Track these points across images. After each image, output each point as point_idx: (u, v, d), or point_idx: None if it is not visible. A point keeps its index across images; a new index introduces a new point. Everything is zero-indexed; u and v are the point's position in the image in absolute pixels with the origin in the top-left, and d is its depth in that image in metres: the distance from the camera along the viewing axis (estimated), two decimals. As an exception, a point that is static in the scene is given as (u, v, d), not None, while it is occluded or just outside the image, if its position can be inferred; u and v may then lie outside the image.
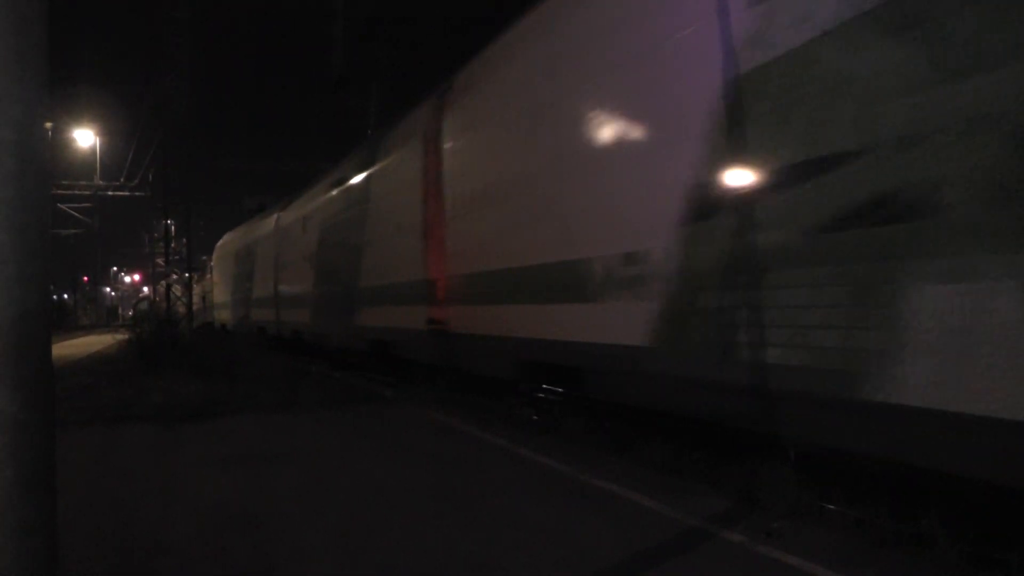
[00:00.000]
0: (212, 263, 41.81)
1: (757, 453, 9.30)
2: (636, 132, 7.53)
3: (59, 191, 35.12)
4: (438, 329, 12.06)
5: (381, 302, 14.66)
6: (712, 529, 5.51)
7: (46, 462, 2.62)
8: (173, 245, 42.98)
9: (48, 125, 2.84)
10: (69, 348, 29.43)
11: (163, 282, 46.72)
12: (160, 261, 44.45)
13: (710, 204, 6.43)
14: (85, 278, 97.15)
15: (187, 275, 38.58)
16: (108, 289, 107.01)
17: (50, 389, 2.63)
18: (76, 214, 33.93)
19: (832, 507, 6.63)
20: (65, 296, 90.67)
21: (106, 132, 28.35)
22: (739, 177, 6.15)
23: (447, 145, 11.89)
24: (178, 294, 39.20)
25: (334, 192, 18.51)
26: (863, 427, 5.14)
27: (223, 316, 35.62)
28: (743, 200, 6.06)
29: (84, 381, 14.92)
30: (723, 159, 6.30)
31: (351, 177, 17.08)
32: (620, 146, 7.76)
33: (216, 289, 39.22)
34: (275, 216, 26.00)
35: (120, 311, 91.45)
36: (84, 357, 23.11)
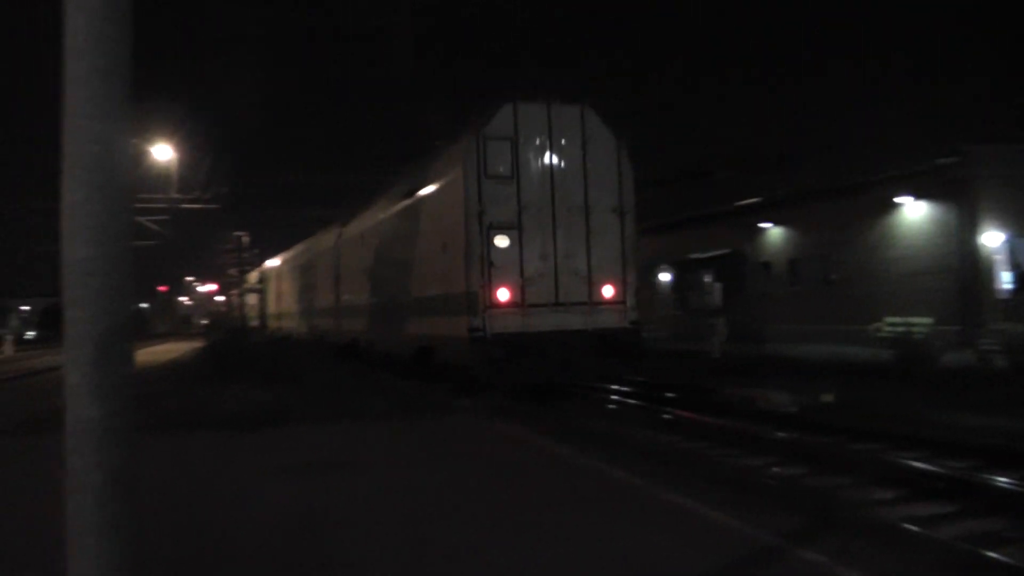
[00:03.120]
0: (272, 275, 43.93)
1: (829, 469, 9.06)
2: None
3: (137, 204, 37.18)
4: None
5: (425, 312, 16.73)
6: (787, 546, 5.37)
7: (129, 466, 2.69)
8: (246, 254, 44.43)
9: (132, 141, 2.93)
10: (146, 356, 30.16)
11: (235, 291, 47.71)
12: (233, 271, 45.94)
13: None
14: (162, 287, 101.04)
15: (259, 284, 40.08)
16: (183, 298, 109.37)
17: (131, 397, 2.70)
18: (153, 226, 34.57)
19: (914, 528, 6.41)
20: (142, 305, 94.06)
21: (182, 147, 29.10)
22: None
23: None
24: (252, 302, 41.07)
25: (388, 213, 20.27)
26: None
27: (287, 324, 37.55)
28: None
29: (160, 388, 15.30)
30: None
31: (402, 201, 18.86)
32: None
33: (280, 299, 41.44)
34: (336, 232, 27.55)
35: (193, 319, 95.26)
36: (160, 365, 23.66)
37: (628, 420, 13.27)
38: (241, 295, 42.12)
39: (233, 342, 19.51)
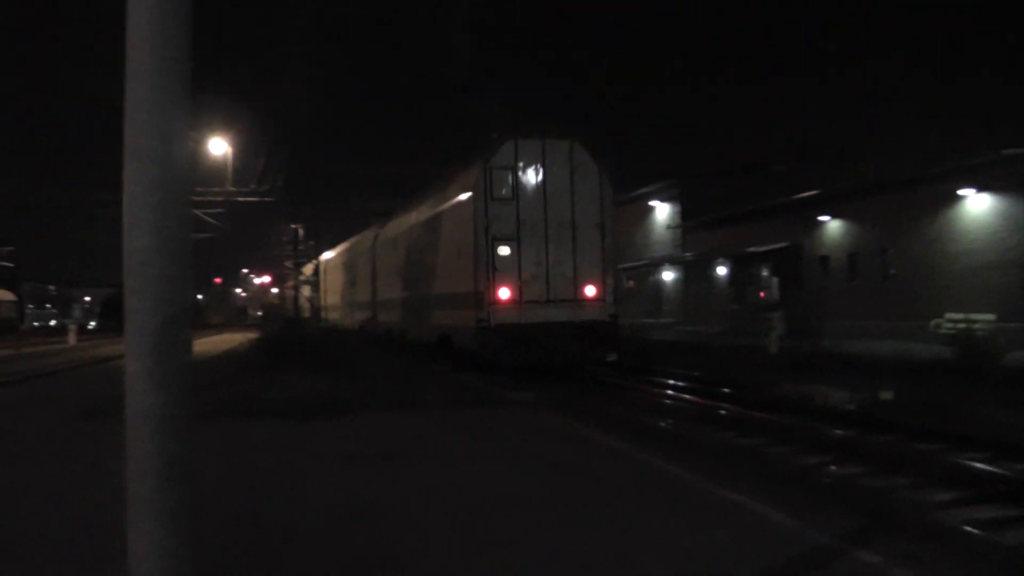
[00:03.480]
0: (325, 268, 47.51)
1: (888, 469, 8.86)
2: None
3: (194, 197, 37.30)
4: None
5: (444, 306, 20.25)
6: (844, 547, 5.26)
7: (187, 453, 2.73)
8: (301, 247, 44.55)
9: (190, 135, 2.97)
10: (202, 345, 30.55)
11: (289, 283, 48.14)
12: (287, 264, 46.00)
13: None
14: (217, 279, 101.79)
15: (315, 276, 40.68)
16: (238, 290, 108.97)
17: (189, 385, 2.74)
18: (209, 219, 34.82)
19: (976, 531, 6.25)
20: (199, 296, 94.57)
21: (237, 140, 29.33)
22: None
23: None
24: (307, 295, 41.62)
25: (416, 222, 24.10)
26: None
27: (333, 316, 42.80)
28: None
29: (218, 376, 15.62)
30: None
31: (427, 213, 22.68)
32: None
33: (330, 292, 45.47)
34: (373, 235, 31.84)
35: (248, 311, 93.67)
36: (217, 355, 24.11)
37: (684, 416, 13.23)
38: (295, 287, 42.83)
39: (287, 333, 19.92)
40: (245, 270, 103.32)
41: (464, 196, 18.81)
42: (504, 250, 17.59)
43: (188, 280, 2.80)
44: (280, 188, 33.37)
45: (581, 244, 17.89)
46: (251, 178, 31.10)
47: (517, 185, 17.86)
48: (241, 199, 31.48)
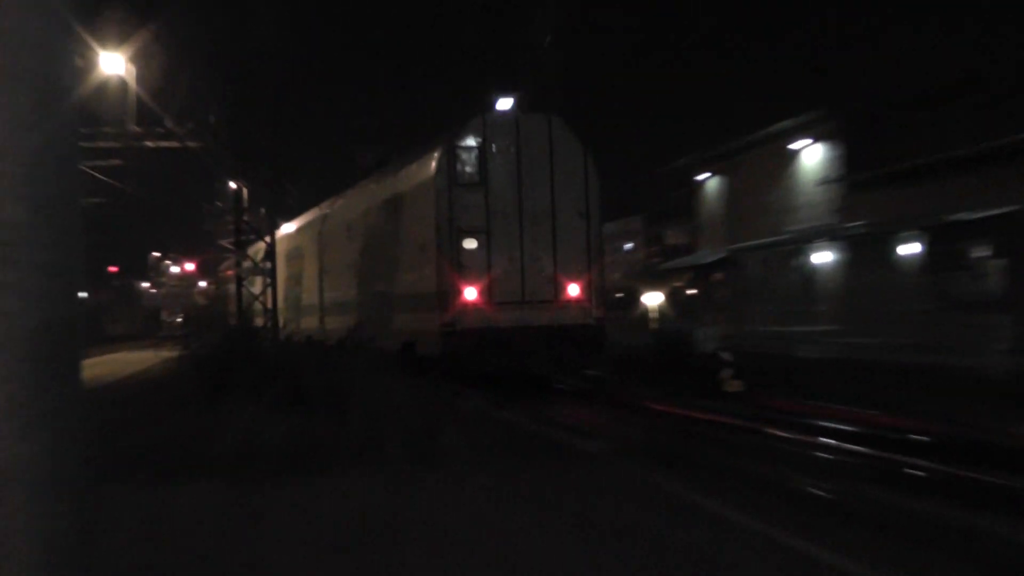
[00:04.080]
0: (280, 252, 28.23)
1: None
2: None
3: (81, 143, 23.16)
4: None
5: (407, 309, 17.50)
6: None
7: (77, 532, 1.84)
8: (246, 218, 24.84)
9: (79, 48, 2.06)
10: (97, 367, 21.65)
11: (228, 271, 33.41)
12: (227, 243, 28.67)
13: None
14: (111, 268, 65.77)
15: (268, 264, 23.65)
16: (146, 284, 72.32)
17: (82, 426, 1.85)
18: (100, 175, 21.65)
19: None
20: (84, 295, 50.42)
21: (147, 55, 18.19)
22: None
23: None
24: (257, 290, 24.40)
25: (372, 205, 20.32)
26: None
27: (306, 323, 29.85)
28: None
29: (124, 414, 10.94)
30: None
31: (384, 195, 19.43)
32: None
33: (295, 286, 31.99)
34: (322, 216, 25.51)
35: (164, 315, 63.80)
36: (121, 380, 17.66)
37: (859, 476, 8.93)
38: (242, 278, 24.71)
39: (231, 347, 13.76)
40: (156, 254, 69.55)
41: (423, 181, 16.54)
42: (471, 244, 15.48)
43: (79, 270, 1.93)
44: (215, 129, 21.50)
45: (562, 236, 15.80)
46: (169, 114, 20.11)
47: (486, 168, 15.70)
48: (150, 144, 21.04)
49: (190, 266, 62.75)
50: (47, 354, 1.82)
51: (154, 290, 71.57)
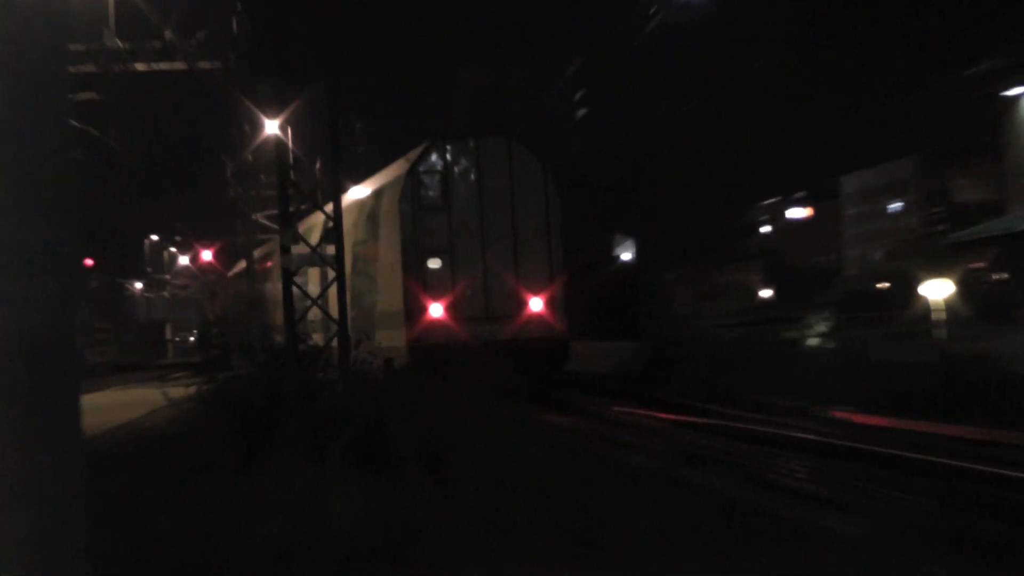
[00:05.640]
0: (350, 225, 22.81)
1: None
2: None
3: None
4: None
5: (383, 326, 18.04)
6: None
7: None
8: (293, 178, 15.18)
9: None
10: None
11: (265, 262, 24.15)
12: (264, 219, 21.90)
13: None
14: (86, 261, 36.94)
15: (331, 247, 13.80)
16: (139, 285, 49.39)
17: (81, 495, 1.28)
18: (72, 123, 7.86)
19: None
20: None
21: None
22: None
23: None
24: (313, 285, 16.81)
25: (357, 217, 19.90)
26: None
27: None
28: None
29: (114, 488, 6.83)
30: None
31: (365, 211, 19.81)
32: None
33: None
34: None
35: (170, 330, 46.32)
36: (110, 433, 11.20)
37: None
38: (290, 272, 13.75)
39: (279, 379, 9.77)
40: (155, 238, 48.94)
41: (389, 205, 17.85)
42: (435, 263, 16.69)
43: (77, 264, 1.37)
44: (238, 40, 14.35)
45: (523, 254, 16.85)
46: (167, 21, 14.34)
47: (449, 191, 16.89)
48: (141, 68, 14.70)
49: (207, 255, 42.10)
50: (32, 381, 1.26)
51: (153, 294, 50.50)
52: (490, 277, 16.59)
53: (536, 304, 16.64)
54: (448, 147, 17.06)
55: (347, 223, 15.25)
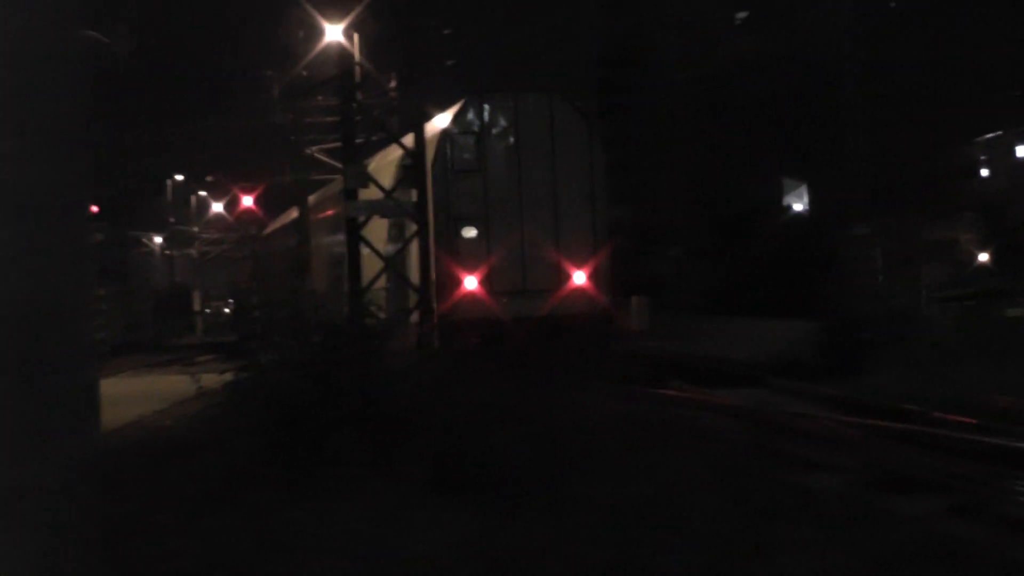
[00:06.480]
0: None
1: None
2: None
3: None
4: None
5: None
6: None
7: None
8: (360, 100, 14.18)
9: None
10: None
11: (323, 212, 20.25)
12: (322, 154, 19.27)
13: None
14: (93, 208, 13.28)
15: (413, 194, 13.53)
16: (158, 239, 38.38)
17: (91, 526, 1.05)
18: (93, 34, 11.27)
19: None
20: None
21: None
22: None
23: None
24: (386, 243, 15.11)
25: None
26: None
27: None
28: None
29: (123, 509, 5.12)
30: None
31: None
32: None
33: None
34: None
35: (197, 299, 36.73)
36: (120, 432, 9.13)
37: None
38: (357, 224, 12.67)
39: (338, 366, 7.38)
40: (179, 178, 39.43)
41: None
42: (470, 232, 15.34)
43: (86, 222, 1.20)
44: None
45: (565, 221, 15.46)
46: None
47: (484, 153, 15.50)
48: None
49: (248, 201, 35.03)
50: (34, 370, 1.01)
51: (177, 251, 39.71)
52: (527, 247, 15.31)
53: (578, 278, 15.30)
54: (486, 104, 15.66)
55: (384, 181, 14.00)
